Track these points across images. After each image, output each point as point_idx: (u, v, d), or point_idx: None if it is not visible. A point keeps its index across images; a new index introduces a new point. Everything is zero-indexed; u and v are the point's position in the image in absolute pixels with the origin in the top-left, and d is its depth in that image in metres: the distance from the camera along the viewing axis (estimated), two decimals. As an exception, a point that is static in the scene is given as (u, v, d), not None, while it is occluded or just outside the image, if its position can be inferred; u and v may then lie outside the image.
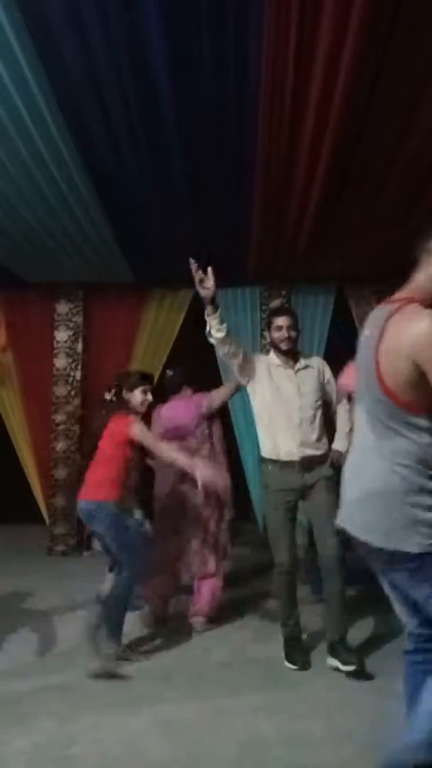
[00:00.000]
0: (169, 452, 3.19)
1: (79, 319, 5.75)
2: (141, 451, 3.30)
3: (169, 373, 3.93)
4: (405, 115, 2.85)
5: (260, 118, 2.84)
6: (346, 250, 4.65)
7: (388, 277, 5.89)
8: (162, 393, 3.84)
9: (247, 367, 3.14)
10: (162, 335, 5.70)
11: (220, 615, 3.68)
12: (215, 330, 2.95)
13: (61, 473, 5.54)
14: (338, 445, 3.20)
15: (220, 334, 2.95)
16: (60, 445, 5.59)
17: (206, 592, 3.60)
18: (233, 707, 2.61)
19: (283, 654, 3.05)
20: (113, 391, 3.38)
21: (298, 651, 3.05)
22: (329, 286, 5.59)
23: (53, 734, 2.41)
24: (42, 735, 2.41)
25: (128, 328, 5.72)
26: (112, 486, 3.10)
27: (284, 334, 3.15)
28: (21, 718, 2.53)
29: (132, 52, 2.44)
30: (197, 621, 3.55)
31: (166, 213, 3.98)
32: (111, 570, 3.16)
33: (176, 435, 3.68)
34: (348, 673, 2.86)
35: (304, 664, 2.99)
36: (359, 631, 3.36)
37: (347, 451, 3.05)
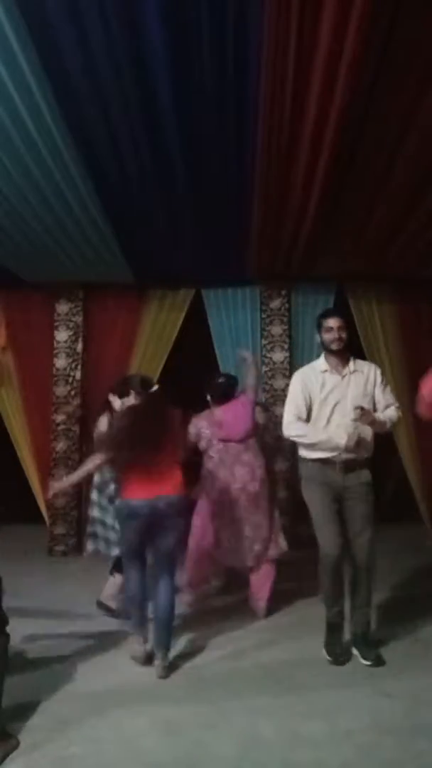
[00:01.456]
0: None
1: (79, 319, 5.75)
2: None
3: (221, 380, 4.04)
4: (404, 116, 2.85)
5: (260, 118, 2.84)
6: (346, 250, 4.65)
7: (388, 277, 5.90)
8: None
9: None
10: (162, 335, 5.68)
11: (220, 615, 3.70)
12: None
13: (61, 473, 5.52)
14: (381, 415, 3.11)
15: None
16: (60, 445, 5.58)
17: (266, 578, 3.71)
18: (233, 708, 2.61)
19: (282, 655, 3.06)
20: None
21: (337, 643, 3.05)
22: (329, 286, 5.59)
23: (52, 734, 2.41)
24: (41, 735, 2.41)
25: (128, 328, 5.71)
26: (184, 483, 3.16)
27: (335, 335, 3.10)
28: (20, 717, 2.53)
29: (132, 51, 2.44)
30: (260, 606, 3.67)
31: (166, 213, 3.98)
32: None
33: (246, 436, 3.79)
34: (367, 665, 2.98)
35: (337, 658, 2.98)
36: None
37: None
